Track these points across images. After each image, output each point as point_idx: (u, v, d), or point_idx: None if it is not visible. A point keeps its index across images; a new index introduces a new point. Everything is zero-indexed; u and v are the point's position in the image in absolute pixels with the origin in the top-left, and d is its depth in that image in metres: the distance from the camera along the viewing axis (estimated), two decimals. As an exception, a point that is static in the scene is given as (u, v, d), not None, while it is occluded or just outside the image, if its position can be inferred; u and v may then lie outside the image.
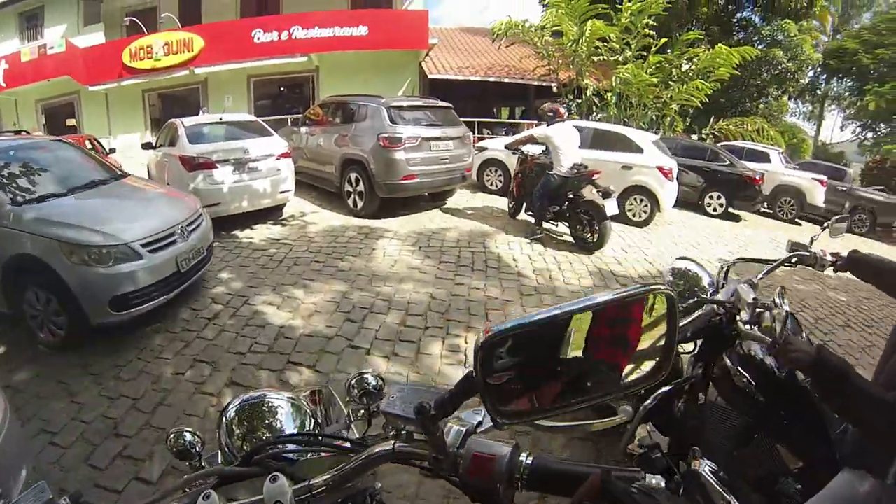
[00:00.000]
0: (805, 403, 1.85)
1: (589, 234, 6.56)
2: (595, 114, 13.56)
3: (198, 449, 1.16)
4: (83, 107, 17.76)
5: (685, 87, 13.49)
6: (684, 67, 14.02)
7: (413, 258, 5.92)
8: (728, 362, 1.98)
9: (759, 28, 20.40)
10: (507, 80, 15.05)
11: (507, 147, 7.52)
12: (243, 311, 4.61)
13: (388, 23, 14.36)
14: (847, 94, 21.63)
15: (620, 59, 13.77)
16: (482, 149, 9.94)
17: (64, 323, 3.88)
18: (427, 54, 15.30)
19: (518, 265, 5.92)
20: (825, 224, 2.58)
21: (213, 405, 3.35)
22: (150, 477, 2.74)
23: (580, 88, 13.83)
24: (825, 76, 21.53)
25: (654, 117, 13.77)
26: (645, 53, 13.72)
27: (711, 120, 15.92)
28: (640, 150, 8.64)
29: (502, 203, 8.68)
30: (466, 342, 4.10)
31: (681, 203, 9.71)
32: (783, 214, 12.84)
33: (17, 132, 6.49)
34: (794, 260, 2.37)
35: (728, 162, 11.75)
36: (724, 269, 2.35)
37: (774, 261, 2.35)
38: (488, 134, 14.20)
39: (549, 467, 0.73)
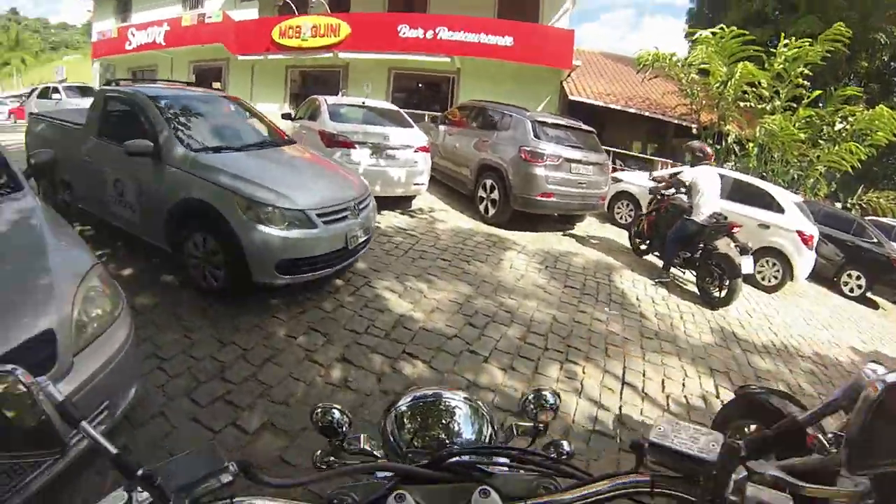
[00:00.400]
0: None
1: (717, 289, 6.19)
2: (733, 163, 12.82)
3: (344, 429, 1.12)
4: (230, 73, 19.36)
5: (836, 148, 12.41)
6: (837, 126, 12.80)
7: (539, 276, 5.87)
8: None
9: None
10: (646, 114, 14.59)
11: (652, 179, 7.22)
12: (364, 291, 4.69)
13: (533, 36, 14.35)
14: None
15: (768, 107, 12.89)
16: (617, 180, 9.76)
17: (222, 274, 4.00)
18: (569, 75, 15.16)
19: (641, 305, 5.73)
20: None
21: (320, 375, 3.41)
22: (247, 427, 2.82)
23: (721, 133, 13.14)
24: None
25: (795, 176, 12.78)
26: (795, 105, 12.72)
27: (861, 189, 14.58)
28: (781, 209, 8.03)
29: (626, 238, 8.32)
30: (584, 372, 4.00)
31: (814, 275, 8.91)
32: None
33: (188, 84, 6.73)
34: None
35: (875, 240, 10.66)
36: None
37: None
38: (620, 165, 13.85)
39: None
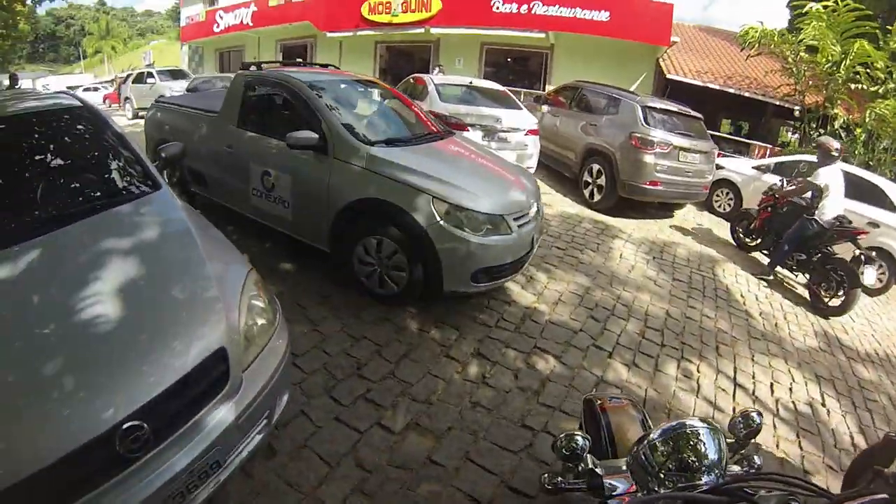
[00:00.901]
0: None
1: (831, 297, 5.96)
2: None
3: (584, 454, 1.27)
4: (318, 50, 19.94)
5: (959, 140, 11.64)
6: None
7: (648, 268, 6.00)
8: None
9: None
10: (746, 94, 13.95)
11: (777, 193, 6.91)
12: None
13: (631, 11, 13.89)
14: None
15: (880, 90, 12.16)
16: (719, 167, 9.57)
17: (404, 279, 3.78)
18: (666, 51, 14.73)
19: (746, 303, 5.80)
20: None
21: (458, 372, 3.40)
22: (393, 427, 2.81)
23: (826, 117, 12.50)
24: None
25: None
26: None
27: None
28: (894, 208, 7.77)
29: (726, 229, 8.34)
30: (699, 371, 4.13)
31: None
32: None
33: (325, 66, 6.04)
34: None
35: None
36: None
37: None
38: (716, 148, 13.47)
39: None
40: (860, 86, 12.34)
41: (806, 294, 6.36)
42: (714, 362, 4.35)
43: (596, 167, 7.79)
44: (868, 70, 12.08)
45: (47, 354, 1.60)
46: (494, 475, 2.63)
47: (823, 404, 4.23)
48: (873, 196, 7.86)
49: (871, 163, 11.65)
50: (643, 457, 1.25)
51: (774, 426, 3.80)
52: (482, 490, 2.52)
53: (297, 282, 4.24)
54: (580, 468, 1.31)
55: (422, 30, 16.40)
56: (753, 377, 4.30)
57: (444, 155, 4.44)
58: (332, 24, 18.04)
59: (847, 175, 8.21)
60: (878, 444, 2.71)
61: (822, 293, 6.03)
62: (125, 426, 1.50)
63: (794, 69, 12.75)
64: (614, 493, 1.26)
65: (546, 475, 1.35)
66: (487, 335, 3.86)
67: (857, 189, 7.96)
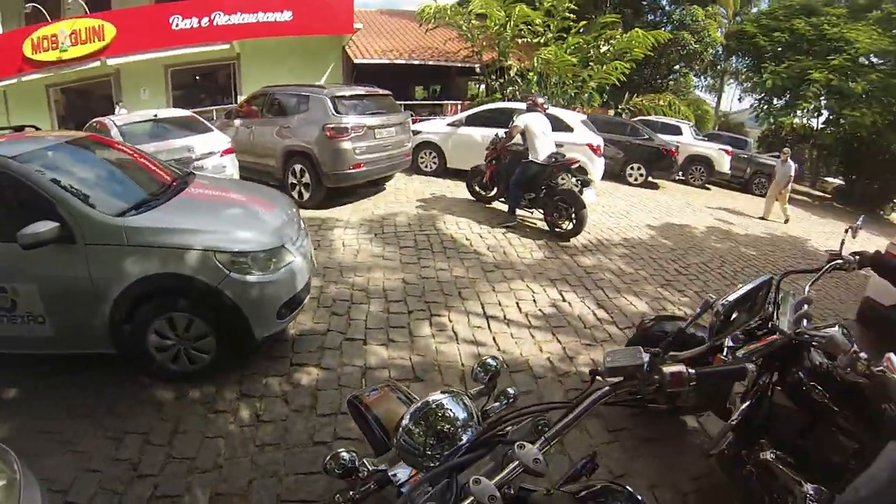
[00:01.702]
0: (861, 398, 2.15)
1: (566, 222, 6.68)
2: (517, 93, 14.18)
3: (356, 464, 1.28)
4: None
5: (604, 67, 14.44)
6: (602, 49, 15.03)
7: (373, 246, 6.07)
8: (802, 376, 2.27)
9: (670, 13, 22.23)
10: (430, 63, 15.39)
11: (497, 146, 7.54)
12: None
13: (313, 7, 14.05)
14: (745, 70, 23.63)
15: (542, 40, 14.53)
16: (416, 132, 10.19)
17: (213, 348, 3.42)
18: (351, 38, 15.23)
19: (473, 244, 6.26)
20: (847, 228, 2.87)
21: (231, 422, 3.19)
22: None
23: (503, 69, 14.45)
24: (725, 54, 23.43)
25: (572, 94, 14.59)
26: (565, 35, 14.63)
27: (626, 96, 17.01)
28: (570, 129, 9.21)
29: (440, 185, 9.17)
30: (451, 320, 4.37)
31: (605, 175, 10.53)
32: (695, 181, 14.17)
33: (19, 128, 4.68)
34: (831, 268, 2.67)
35: (646, 136, 12.75)
36: (777, 285, 2.52)
37: (816, 271, 2.65)
38: (413, 116, 14.48)
39: (707, 371, 1.24)
40: (525, 39, 14.54)
41: (546, 227, 7.01)
42: (462, 307, 4.63)
43: (299, 167, 7.62)
44: (529, 27, 14.29)
45: None
46: (314, 502, 2.60)
47: (564, 300, 4.86)
48: (553, 124, 9.03)
49: (546, 97, 13.80)
50: (404, 443, 1.28)
51: (532, 336, 4.25)
52: None
53: (29, 408, 3.30)
54: (364, 474, 1.30)
55: (97, 63, 14.37)
56: (500, 304, 4.71)
57: (200, 203, 4.03)
58: None
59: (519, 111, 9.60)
60: (634, 336, 3.27)
61: (557, 221, 6.73)
62: None
63: (469, 35, 14.42)
64: (403, 482, 1.28)
65: (338, 495, 1.33)
66: (243, 373, 3.58)
67: None
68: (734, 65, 25.70)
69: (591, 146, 9.26)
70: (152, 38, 14.07)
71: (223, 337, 3.40)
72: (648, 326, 3.24)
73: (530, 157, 6.70)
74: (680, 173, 13.99)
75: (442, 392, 1.36)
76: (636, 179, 12.46)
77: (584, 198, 6.53)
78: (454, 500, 1.00)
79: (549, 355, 3.97)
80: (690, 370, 1.20)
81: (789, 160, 11.07)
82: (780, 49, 18.13)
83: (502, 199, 7.54)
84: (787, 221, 11.00)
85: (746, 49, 20.33)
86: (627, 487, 1.20)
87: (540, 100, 7.09)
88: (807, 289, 2.56)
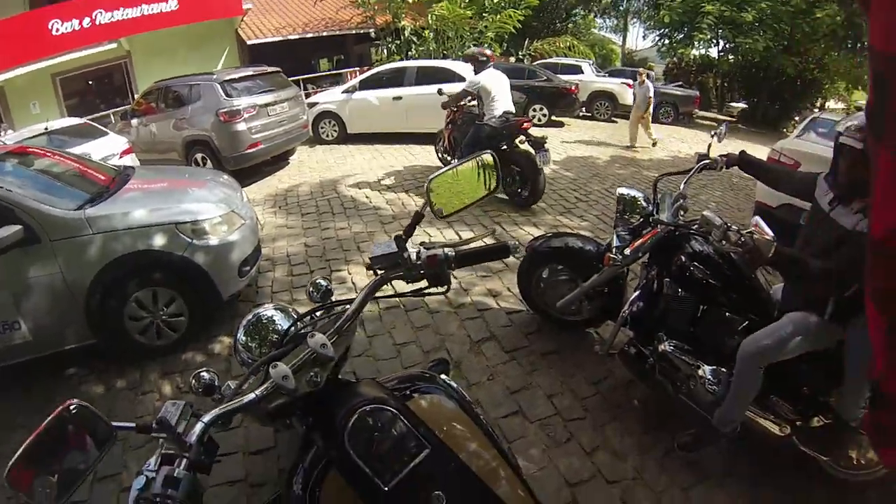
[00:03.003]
0: (742, 277, 2.42)
1: (522, 189, 6.15)
2: (414, 51, 14.37)
3: (217, 382, 1.32)
4: None
5: (499, 16, 14.65)
6: None
7: (277, 218, 6.35)
8: (683, 259, 2.48)
9: None
10: (325, 34, 15.36)
11: (444, 107, 6.98)
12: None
13: (197, -8, 13.75)
14: (645, 8, 24.46)
15: None
16: (314, 104, 10.44)
17: (185, 313, 3.71)
18: (242, 20, 15.02)
19: (372, 201, 6.65)
20: (713, 133, 3.07)
21: (157, 400, 3.33)
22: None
23: (398, 30, 14.54)
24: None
25: (472, 46, 14.77)
26: None
27: (526, 42, 17.39)
28: (462, 79, 9.39)
29: (342, 151, 9.52)
30: (350, 272, 4.73)
31: None
32: (600, 116, 14.77)
33: None
34: (701, 168, 2.88)
35: (545, 77, 13.26)
36: (654, 186, 2.81)
37: (688, 171, 2.87)
38: (313, 88, 14.53)
39: (466, 251, 1.43)
40: None
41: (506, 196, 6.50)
42: (360, 259, 4.94)
43: (200, 156, 7.82)
44: None
45: None
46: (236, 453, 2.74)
47: (462, 239, 5.20)
48: (446, 76, 9.42)
49: (445, 53, 14.03)
50: (241, 356, 1.52)
51: None
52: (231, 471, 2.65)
53: None
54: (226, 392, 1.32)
55: None
56: None
57: (149, 188, 4.29)
58: None
59: (421, 69, 9.85)
60: (525, 257, 3.51)
61: (514, 188, 6.19)
62: None
63: (359, 1, 14.35)
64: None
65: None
66: (163, 355, 3.72)
67: (430, 76, 9.60)
68: (634, 4, 26.48)
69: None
70: (33, 48, 13.26)
71: (194, 302, 3.72)
72: (536, 245, 3.41)
73: (485, 120, 6.09)
74: (583, 109, 14.58)
75: (271, 308, 1.61)
76: (540, 120, 12.95)
77: (539, 162, 5.95)
78: (261, 385, 1.09)
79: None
80: (449, 251, 1.39)
81: (647, 81, 10.61)
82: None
83: None
84: (654, 145, 10.78)
85: (643, -13, 20.91)
86: (441, 377, 1.40)
87: (488, 51, 6.36)
88: (682, 186, 2.79)
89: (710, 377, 2.36)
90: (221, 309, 4.01)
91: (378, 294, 1.39)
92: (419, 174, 7.70)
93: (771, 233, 1.85)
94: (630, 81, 14.56)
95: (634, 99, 11.05)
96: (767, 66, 17.35)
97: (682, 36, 18.67)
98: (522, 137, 5.93)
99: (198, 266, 3.62)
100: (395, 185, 7.31)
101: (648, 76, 11.57)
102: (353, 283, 4.58)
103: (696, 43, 18.20)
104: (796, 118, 16.77)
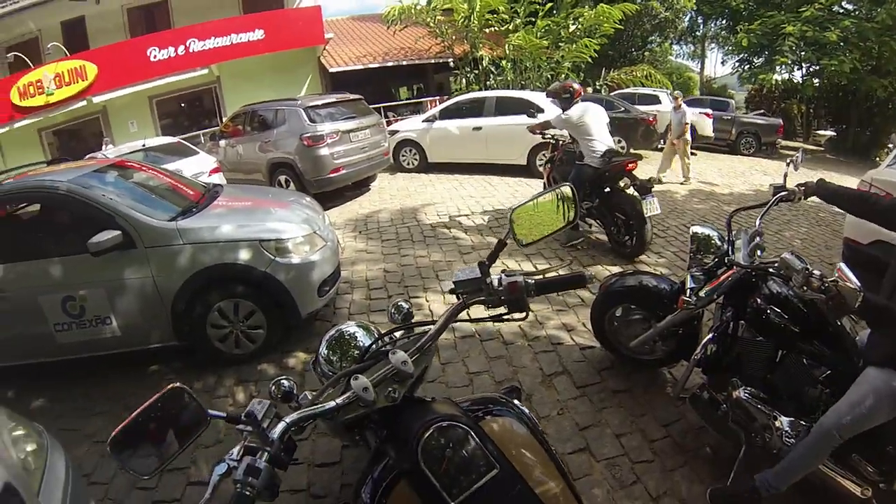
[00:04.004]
0: (824, 323, 2.22)
1: (626, 238, 5.46)
2: (493, 81, 14.39)
3: (295, 391, 1.40)
4: None
5: (574, 46, 14.51)
6: (571, 28, 15.01)
7: (357, 242, 6.38)
8: (760, 302, 2.34)
9: None
10: (405, 63, 15.66)
11: (531, 131, 6.77)
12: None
13: (282, 23, 14.47)
14: (722, 32, 23.71)
15: (511, 27, 14.66)
16: (395, 132, 10.51)
17: (263, 326, 3.85)
18: (324, 48, 15.58)
19: (451, 231, 6.54)
20: (788, 161, 2.88)
21: (230, 405, 3.48)
22: (202, 478, 2.86)
23: (476, 60, 14.62)
24: (702, 19, 23.37)
25: (549, 77, 14.68)
26: (533, 19, 14.61)
27: (603, 72, 17.17)
28: (541, 110, 9.22)
29: (422, 179, 9.49)
30: (427, 300, 4.66)
31: None
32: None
33: (54, 161, 5.25)
34: (777, 200, 2.67)
35: (623, 108, 12.89)
36: (728, 223, 2.66)
37: (764, 205, 2.70)
38: (393, 116, 14.77)
39: (544, 281, 1.47)
40: (494, 28, 14.69)
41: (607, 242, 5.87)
42: (438, 287, 4.90)
43: (283, 177, 8.01)
44: (496, 15, 14.40)
45: None
46: (301, 463, 2.79)
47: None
48: (525, 108, 9.37)
49: (523, 83, 13.98)
50: (322, 369, 1.57)
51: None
52: (296, 480, 2.69)
53: (52, 411, 3.69)
54: (304, 401, 1.39)
55: (83, 102, 14.74)
56: None
57: (236, 205, 4.47)
58: None
59: (500, 99, 9.75)
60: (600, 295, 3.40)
61: (618, 236, 5.54)
62: None
63: (437, 31, 14.60)
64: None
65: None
66: (240, 364, 3.92)
67: (510, 107, 9.57)
68: (712, 29, 25.66)
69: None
70: (133, 72, 14.41)
71: (273, 316, 3.84)
72: (610, 283, 3.32)
73: (585, 160, 5.49)
74: (661, 141, 14.12)
75: (352, 324, 1.66)
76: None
77: (647, 209, 5.20)
78: (342, 395, 1.16)
79: (521, 322, 4.11)
80: (529, 280, 1.44)
81: (683, 106, 9.61)
82: (752, 7, 18.17)
83: None
84: (686, 181, 9.59)
85: (720, 12, 20.38)
86: (514, 402, 1.41)
87: (575, 84, 5.71)
88: (758, 222, 2.62)
89: (787, 429, 2.19)
90: (299, 326, 4.09)
91: (459, 318, 1.44)
92: (498, 205, 7.54)
93: (856, 281, 1.75)
94: (709, 111, 14.08)
95: (669, 126, 10.21)
96: (855, 88, 16.39)
97: (762, 60, 17.93)
98: (627, 181, 5.35)
99: (279, 283, 3.73)
100: (473, 215, 7.19)
101: (683, 100, 10.39)
102: (430, 309, 4.52)
103: (777, 67, 17.44)
104: (889, 145, 15.65)
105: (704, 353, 2.53)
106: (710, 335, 2.53)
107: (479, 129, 9.67)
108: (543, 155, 8.95)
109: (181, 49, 14.37)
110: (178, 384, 1.11)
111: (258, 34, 14.23)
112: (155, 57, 14.39)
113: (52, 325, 3.68)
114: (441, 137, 10.10)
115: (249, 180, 8.63)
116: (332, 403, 1.12)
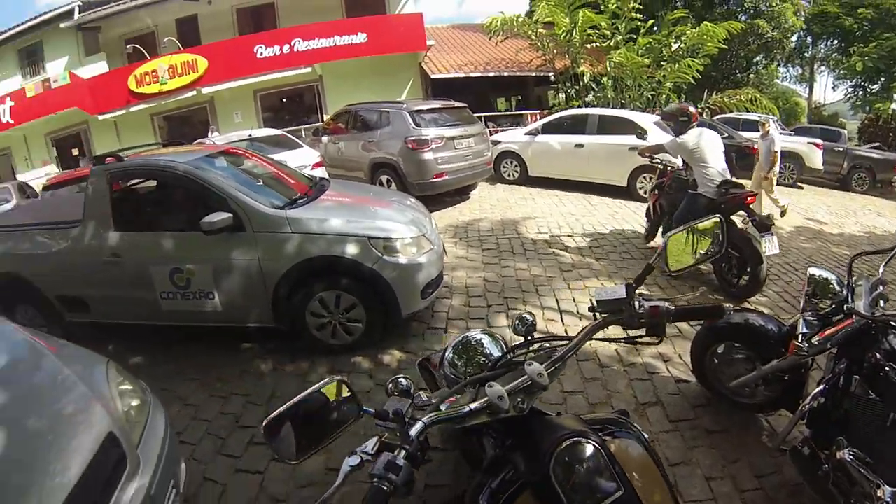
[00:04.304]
0: None
1: (738, 278, 4.97)
2: (592, 98, 14.07)
3: (412, 391, 1.37)
4: (93, 135, 18.10)
5: (677, 65, 13.98)
6: (674, 47, 14.52)
7: (457, 249, 6.34)
8: (879, 358, 2.15)
9: (743, 0, 21.04)
10: (505, 74, 15.59)
11: (640, 154, 6.46)
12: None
13: (385, 28, 14.88)
14: (834, 55, 22.21)
15: (612, 43, 14.34)
16: (497, 142, 10.42)
17: (362, 321, 3.88)
18: (425, 55, 15.81)
19: (551, 247, 6.37)
20: None
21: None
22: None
23: (576, 75, 14.35)
24: (811, 40, 22.01)
25: (649, 97, 14.25)
26: (634, 36, 14.27)
27: (705, 94, 16.43)
28: (644, 131, 8.89)
29: (522, 192, 9.32)
30: (527, 313, 4.55)
31: None
32: (784, 179, 13.21)
33: (166, 144, 5.68)
34: None
35: (726, 134, 12.24)
36: (848, 267, 2.50)
37: (889, 251, 2.62)
38: (493, 127, 14.74)
39: (683, 308, 1.47)
40: (595, 44, 14.43)
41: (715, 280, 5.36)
42: (538, 301, 4.79)
43: (385, 178, 8.09)
44: (597, 31, 14.15)
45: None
46: None
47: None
48: (627, 127, 9.02)
49: (623, 102, 13.59)
50: (445, 372, 1.58)
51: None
52: None
53: (151, 373, 3.87)
54: (418, 401, 1.40)
55: (193, 92, 15.84)
56: (574, 301, 4.79)
57: (344, 200, 4.57)
58: (102, 106, 16.40)
59: (602, 118, 9.43)
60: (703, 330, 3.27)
61: (728, 275, 5.08)
62: None
63: (538, 44, 14.49)
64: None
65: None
66: (335, 354, 3.98)
67: (612, 126, 9.26)
68: (822, 51, 24.05)
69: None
70: (240, 67, 15.30)
71: (374, 312, 3.86)
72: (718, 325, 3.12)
73: (699, 189, 5.11)
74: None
75: (479, 330, 1.65)
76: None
77: (764, 249, 4.72)
78: (474, 401, 1.17)
79: (618, 346, 3.97)
80: (669, 305, 1.42)
81: (772, 132, 8.81)
82: (867, 27, 16.92)
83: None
84: (783, 214, 8.56)
85: (831, 32, 19.10)
86: (634, 424, 1.38)
87: (691, 108, 5.32)
88: (881, 270, 2.51)
89: (889, 500, 1.90)
90: (398, 325, 4.12)
91: (596, 336, 1.44)
92: (598, 225, 7.30)
93: None
94: (818, 141, 13.12)
95: (757, 155, 9.31)
96: None
97: (877, 87, 16.62)
98: (745, 216, 4.92)
99: (384, 280, 3.75)
100: (573, 233, 6.97)
101: (773, 124, 9.78)
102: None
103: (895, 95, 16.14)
104: None
105: (811, 406, 2.36)
106: (820, 387, 2.35)
107: (580, 146, 9.42)
108: (644, 178, 8.67)
109: (286, 48, 15.06)
110: (339, 377, 1.19)
111: (361, 37, 14.66)
112: (261, 54, 15.15)
113: (159, 293, 3.95)
114: (543, 151, 9.92)
115: (349, 177, 8.76)
116: (467, 408, 1.13)
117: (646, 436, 1.37)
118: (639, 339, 1.49)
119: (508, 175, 10.52)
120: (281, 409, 1.10)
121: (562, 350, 1.35)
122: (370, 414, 1.15)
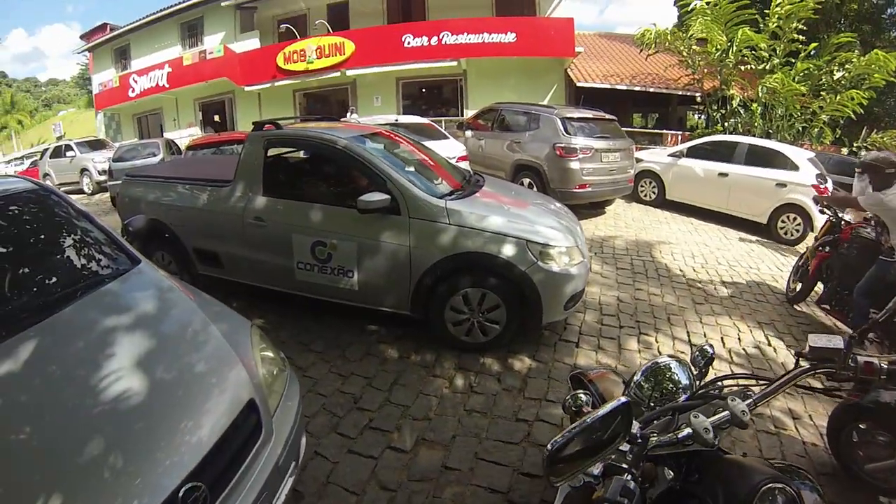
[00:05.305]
0: None
1: None
2: (736, 122, 13.35)
3: (589, 408, 1.49)
4: (237, 105, 19.92)
5: (838, 97, 12.74)
6: (836, 75, 13.08)
7: (593, 264, 6.31)
8: None
9: None
10: (651, 90, 15.18)
11: (817, 204, 5.88)
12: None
13: (535, 29, 14.99)
14: None
15: (767, 66, 13.34)
16: (639, 160, 10.20)
17: (501, 323, 3.83)
18: (572, 61, 15.73)
19: (685, 276, 6.30)
20: None
21: (446, 387, 3.60)
22: (403, 446, 2.98)
23: (725, 98, 13.64)
24: None
25: (800, 129, 13.24)
26: (792, 60, 13.22)
27: (864, 131, 14.98)
28: (795, 167, 8.46)
29: (658, 215, 9.18)
30: (657, 341, 4.55)
31: None
32: None
33: (337, 118, 5.78)
34: None
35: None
36: None
37: None
38: (634, 144, 14.39)
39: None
40: (749, 66, 13.59)
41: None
42: (669, 331, 4.78)
43: (527, 181, 8.26)
44: (753, 52, 13.29)
45: (92, 435, 1.59)
46: (505, 466, 2.86)
47: (769, 344, 4.73)
48: (777, 161, 8.64)
49: (770, 132, 12.76)
50: (633, 396, 1.60)
51: (732, 371, 3.99)
52: (499, 481, 2.75)
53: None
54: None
55: (338, 73, 16.85)
56: (705, 335, 4.74)
57: (503, 199, 4.41)
58: (250, 78, 18.14)
59: (752, 147, 9.04)
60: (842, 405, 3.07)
61: None
62: (184, 489, 1.54)
63: (689, 61, 13.88)
64: None
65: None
66: (463, 350, 4.01)
67: (762, 157, 8.83)
68: None
69: (817, 188, 8.08)
70: (386, 55, 16.03)
71: (515, 316, 3.80)
72: (865, 395, 2.92)
73: (893, 256, 4.27)
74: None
75: (669, 356, 1.68)
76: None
77: None
78: (673, 430, 1.21)
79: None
80: (883, 363, 1.38)
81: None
82: None
83: (825, 307, 5.17)
84: None
85: None
86: (810, 476, 1.41)
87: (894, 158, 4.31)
88: None
89: None
90: (537, 331, 4.18)
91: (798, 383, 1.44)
92: (733, 262, 7.07)
93: None
94: None
95: None
96: None
97: None
98: None
99: (534, 286, 3.68)
100: (707, 266, 6.82)
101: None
102: (658, 351, 4.40)
103: None
104: None
105: None
106: None
107: (724, 175, 9.02)
108: (787, 217, 8.24)
109: (434, 40, 15.57)
110: (627, 399, 1.16)
111: (510, 37, 14.85)
112: (409, 43, 15.76)
113: (296, 262, 4.04)
114: (684, 176, 9.61)
115: (488, 175, 8.95)
116: (684, 433, 1.19)
117: (821, 490, 1.38)
118: (835, 392, 1.56)
119: (645, 195, 10.29)
120: (564, 432, 1.12)
121: (762, 391, 1.39)
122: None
